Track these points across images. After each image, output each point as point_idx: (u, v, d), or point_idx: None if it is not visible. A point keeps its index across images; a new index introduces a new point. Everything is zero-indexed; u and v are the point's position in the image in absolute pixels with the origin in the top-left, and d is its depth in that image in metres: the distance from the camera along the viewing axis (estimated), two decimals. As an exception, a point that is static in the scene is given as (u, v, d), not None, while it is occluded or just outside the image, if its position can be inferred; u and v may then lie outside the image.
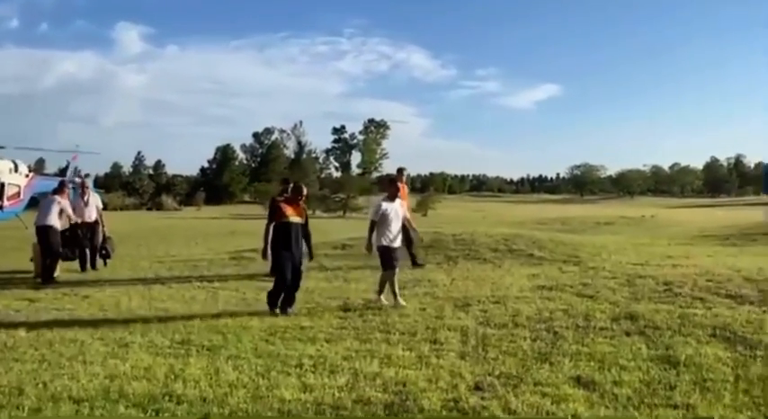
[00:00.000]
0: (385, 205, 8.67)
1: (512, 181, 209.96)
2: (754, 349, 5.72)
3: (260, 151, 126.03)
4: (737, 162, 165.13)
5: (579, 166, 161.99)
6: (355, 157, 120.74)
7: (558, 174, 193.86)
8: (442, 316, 7.53)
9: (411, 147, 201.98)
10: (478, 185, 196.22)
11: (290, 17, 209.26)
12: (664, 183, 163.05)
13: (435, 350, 6.10)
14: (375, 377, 5.28)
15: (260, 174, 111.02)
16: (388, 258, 8.55)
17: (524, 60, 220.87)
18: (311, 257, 8.75)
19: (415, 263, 11.92)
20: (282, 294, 8.15)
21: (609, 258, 12.14)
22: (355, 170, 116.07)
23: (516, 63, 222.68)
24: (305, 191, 8.53)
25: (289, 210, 8.17)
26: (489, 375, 5.27)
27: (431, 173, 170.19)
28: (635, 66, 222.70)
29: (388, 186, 9.25)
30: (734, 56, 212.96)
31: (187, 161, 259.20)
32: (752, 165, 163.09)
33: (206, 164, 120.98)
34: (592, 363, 5.52)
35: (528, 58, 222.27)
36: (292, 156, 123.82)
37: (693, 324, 6.60)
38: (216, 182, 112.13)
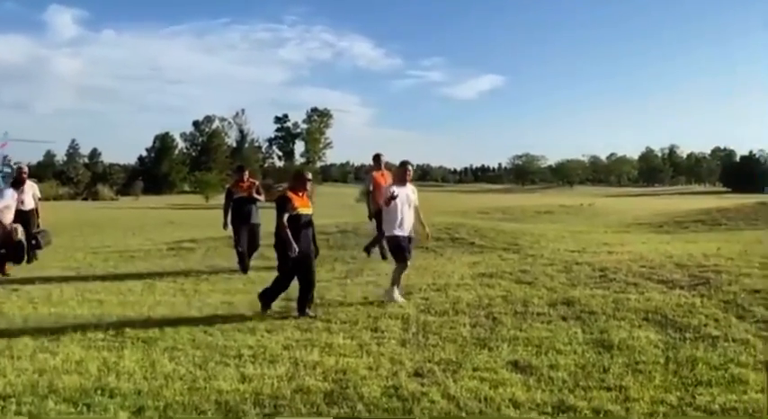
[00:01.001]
0: (395, 189, 7.92)
1: (455, 171, 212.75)
2: (684, 332, 5.92)
3: (200, 140, 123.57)
4: (671, 152, 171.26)
5: (521, 157, 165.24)
6: (299, 146, 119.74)
7: (500, 164, 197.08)
8: (383, 305, 7.53)
9: (355, 137, 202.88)
10: (422, 175, 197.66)
11: (229, 3, 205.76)
12: (601, 173, 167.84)
13: (376, 338, 6.11)
14: (315, 366, 5.25)
15: (200, 164, 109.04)
16: (399, 249, 7.94)
17: (468, 51, 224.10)
18: (317, 252, 7.81)
19: (367, 251, 11.59)
20: (280, 294, 7.56)
21: (547, 246, 12.38)
22: (299, 159, 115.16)
23: (460, 53, 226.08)
24: (309, 175, 7.76)
25: (298, 201, 7.37)
26: (429, 361, 5.31)
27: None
28: (574, 58, 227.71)
29: (398, 170, 8.48)
30: (667, 48, 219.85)
31: (124, 150, 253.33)
32: (684, 156, 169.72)
33: (144, 153, 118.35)
34: (529, 348, 5.63)
35: (472, 49, 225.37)
36: (234, 144, 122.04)
37: (627, 308, 6.79)
38: (154, 172, 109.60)
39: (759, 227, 16.97)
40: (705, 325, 6.04)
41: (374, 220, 11.19)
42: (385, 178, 11.42)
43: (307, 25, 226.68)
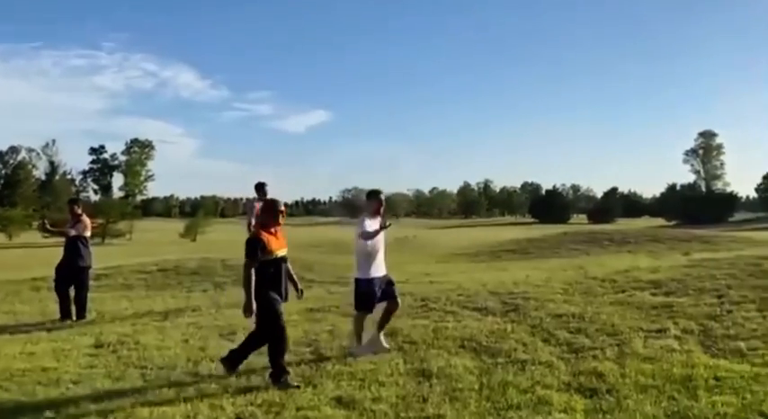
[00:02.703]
0: (369, 222, 6.81)
1: (286, 204, 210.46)
2: (497, 357, 6.25)
3: (3, 172, 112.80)
4: (486, 186, 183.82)
5: (350, 190, 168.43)
6: (117, 179, 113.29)
7: (330, 198, 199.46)
8: (205, 347, 7.20)
9: (180, 169, 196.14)
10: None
11: (40, 26, 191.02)
12: (424, 206, 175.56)
13: (196, 383, 5.80)
14: (127, 418, 4.88)
15: (3, 198, 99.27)
16: (368, 297, 6.73)
17: (295, 86, 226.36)
18: (301, 293, 6.63)
19: None
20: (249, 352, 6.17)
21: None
22: (117, 193, 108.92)
23: (288, 88, 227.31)
24: (282, 206, 6.27)
25: (273, 243, 6.00)
26: (251, 404, 5.13)
27: (202, 196, 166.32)
28: (394, 97, 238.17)
29: (371, 202, 7.20)
30: (475, 95, 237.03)
31: None
32: (498, 190, 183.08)
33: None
34: (353, 382, 5.64)
35: (299, 84, 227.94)
36: (43, 177, 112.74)
37: (445, 336, 7.06)
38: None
39: (562, 254, 18.62)
40: (515, 350, 6.43)
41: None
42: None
43: (126, 53, 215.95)
